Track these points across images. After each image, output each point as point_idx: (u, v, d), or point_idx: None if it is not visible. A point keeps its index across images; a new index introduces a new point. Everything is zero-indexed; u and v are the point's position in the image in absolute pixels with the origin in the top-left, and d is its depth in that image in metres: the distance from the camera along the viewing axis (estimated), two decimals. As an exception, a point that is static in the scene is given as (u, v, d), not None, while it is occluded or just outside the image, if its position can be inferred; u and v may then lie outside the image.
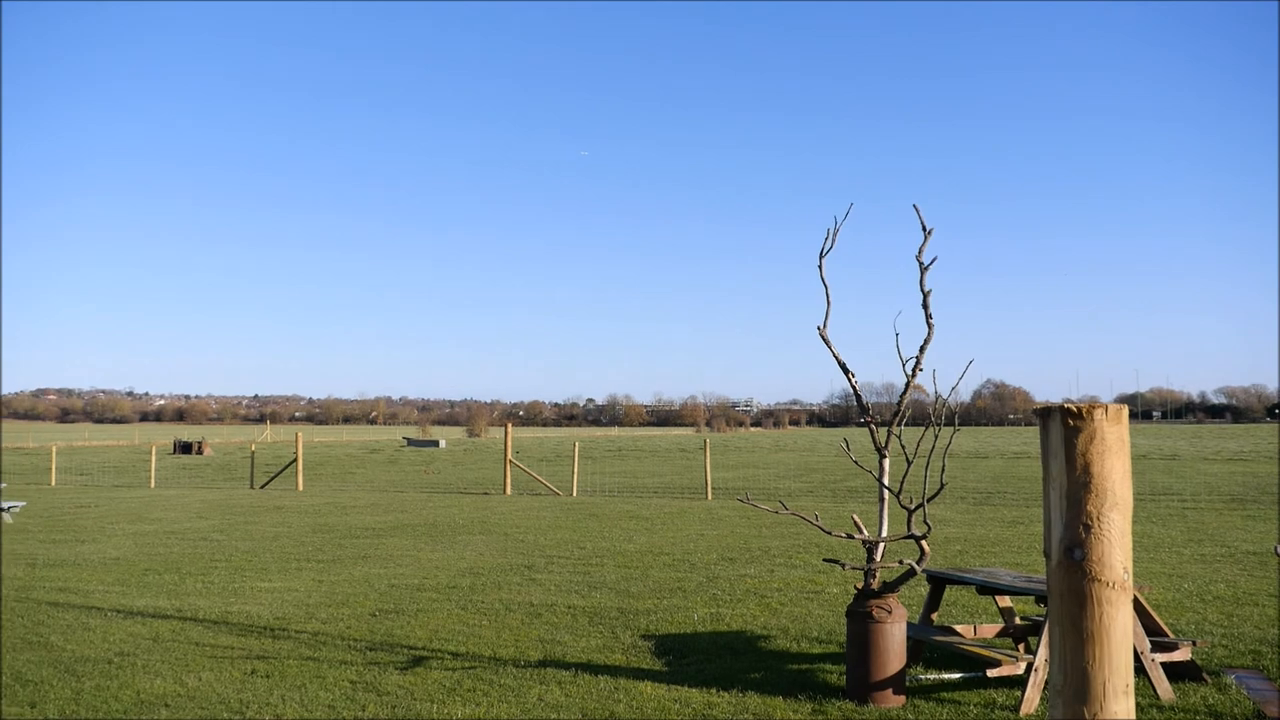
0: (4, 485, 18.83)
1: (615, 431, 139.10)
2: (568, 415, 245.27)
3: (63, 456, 43.23)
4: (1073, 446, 2.64)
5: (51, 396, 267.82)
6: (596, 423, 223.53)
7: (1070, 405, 2.66)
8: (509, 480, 24.01)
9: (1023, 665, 6.00)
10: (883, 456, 6.47)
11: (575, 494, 22.65)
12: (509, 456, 24.36)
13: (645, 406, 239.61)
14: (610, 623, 8.18)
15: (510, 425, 25.12)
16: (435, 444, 71.18)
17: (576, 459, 24.50)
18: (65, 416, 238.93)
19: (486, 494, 23.47)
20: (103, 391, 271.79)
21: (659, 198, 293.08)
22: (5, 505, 17.51)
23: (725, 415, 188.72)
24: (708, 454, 23.17)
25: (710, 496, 21.38)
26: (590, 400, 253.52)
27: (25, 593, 9.91)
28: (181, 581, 10.51)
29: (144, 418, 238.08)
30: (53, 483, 30.17)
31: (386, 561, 11.89)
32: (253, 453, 31.32)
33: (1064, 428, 2.66)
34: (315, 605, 9.03)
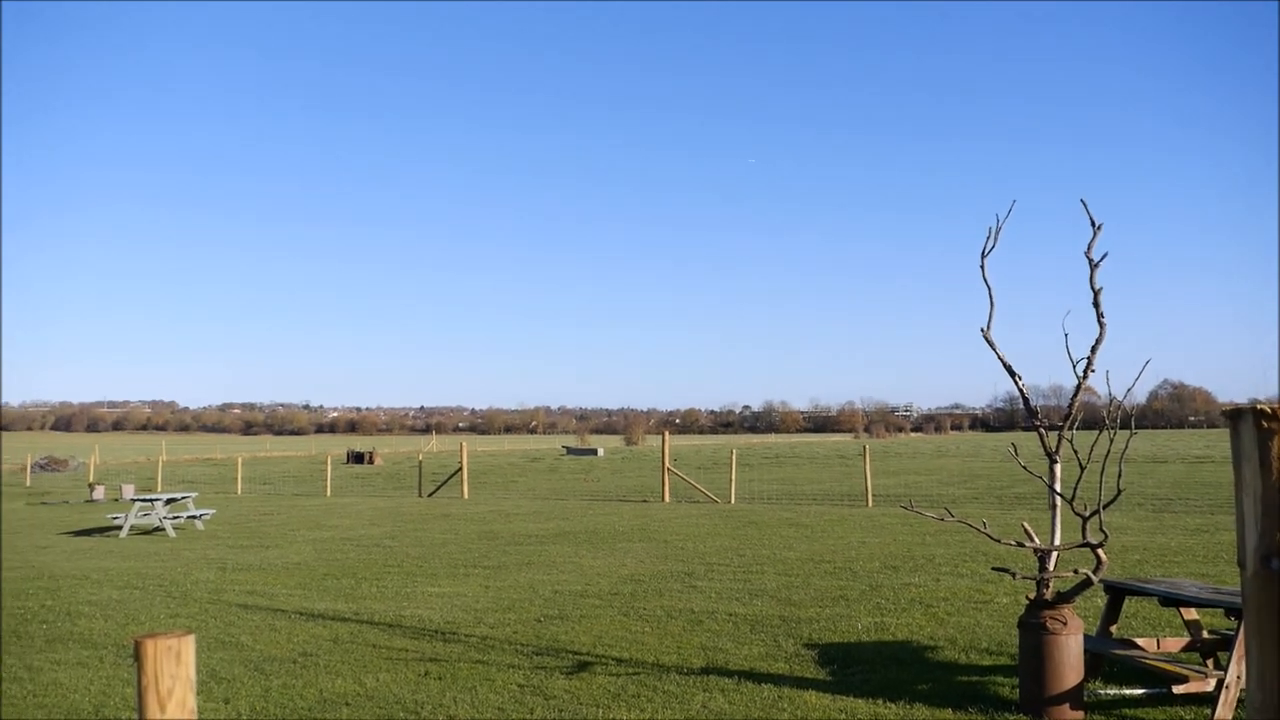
0: (195, 494, 20.07)
1: (772, 438, 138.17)
2: (724, 423, 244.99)
3: (247, 467, 45.75)
4: (1267, 450, 2.49)
5: (236, 411, 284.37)
6: (753, 430, 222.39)
7: (1264, 406, 2.52)
8: (667, 488, 24.14)
9: (1213, 682, 5.67)
10: (1054, 462, 6.23)
11: (734, 501, 22.61)
12: (667, 464, 24.50)
13: (802, 413, 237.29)
14: (772, 631, 8.13)
15: (668, 433, 25.26)
16: (594, 452, 72.27)
17: (734, 466, 24.46)
18: (248, 429, 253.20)
19: (645, 502, 23.67)
20: (281, 405, 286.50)
21: (809, 206, 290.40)
22: (197, 513, 18.65)
23: (884, 420, 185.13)
24: (867, 460, 22.77)
25: (871, 503, 21.00)
26: (746, 407, 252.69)
27: (217, 595, 10.54)
28: (358, 586, 10.98)
29: (319, 429, 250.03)
30: (239, 492, 31.97)
31: (550, 568, 12.12)
32: (420, 462, 32.45)
33: (1257, 430, 2.51)
34: (483, 610, 9.28)
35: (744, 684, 6.43)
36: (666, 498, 23.77)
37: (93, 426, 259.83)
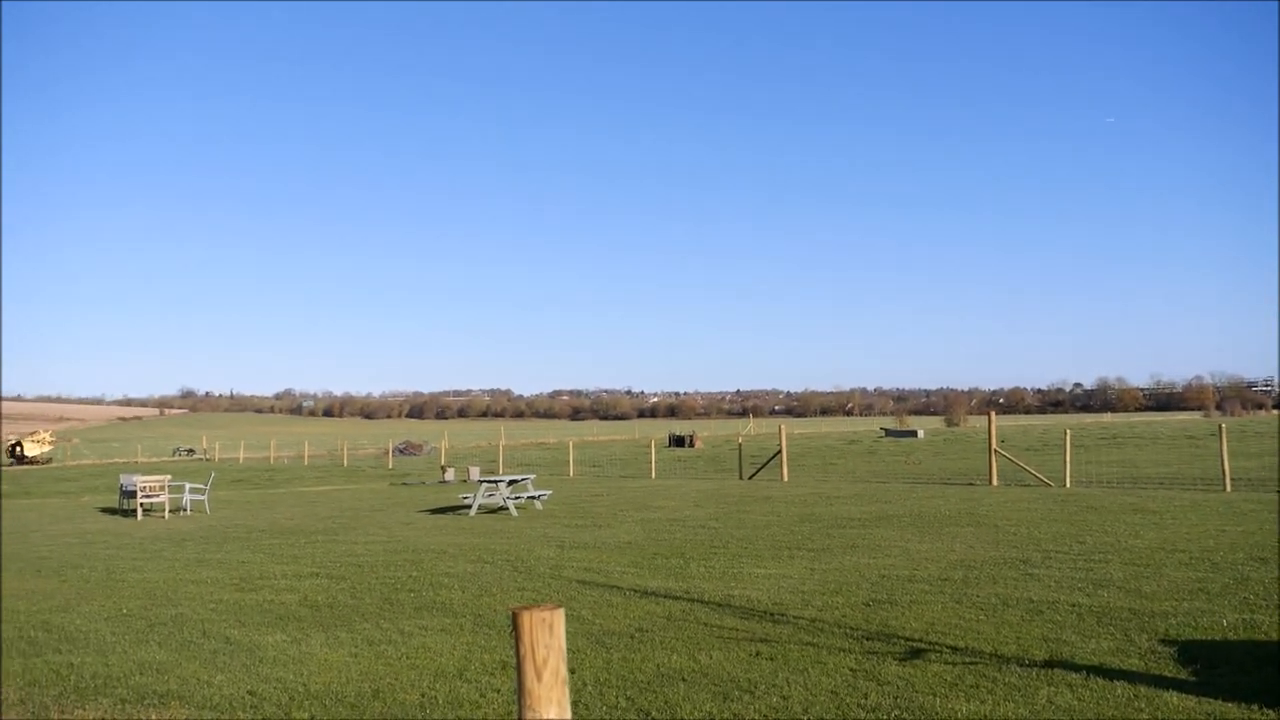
0: (533, 476, 21.44)
1: (1108, 418, 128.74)
2: (1052, 401, 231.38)
3: (577, 450, 48.32)
4: None
5: (565, 397, 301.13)
6: (1085, 408, 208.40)
7: None
8: (994, 470, 23.10)
9: None
10: None
11: (1068, 485, 21.28)
12: (994, 445, 23.44)
13: (1141, 389, 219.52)
14: (1122, 624, 7.57)
15: (993, 414, 24.15)
16: (913, 434, 70.48)
17: (1068, 447, 22.99)
18: (576, 414, 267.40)
19: (971, 484, 22.78)
20: (606, 391, 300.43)
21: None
22: (537, 494, 19.91)
23: (1239, 397, 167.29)
24: (1224, 440, 20.70)
25: (1229, 488, 19.08)
26: (1077, 385, 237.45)
27: (557, 571, 11.21)
28: (686, 565, 11.31)
29: (641, 414, 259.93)
30: (571, 474, 33.84)
31: (875, 551, 11.94)
32: (739, 445, 32.94)
33: None
34: (810, 592, 9.29)
35: (1093, 680, 6.04)
36: (994, 481, 22.75)
37: (441, 413, 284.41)
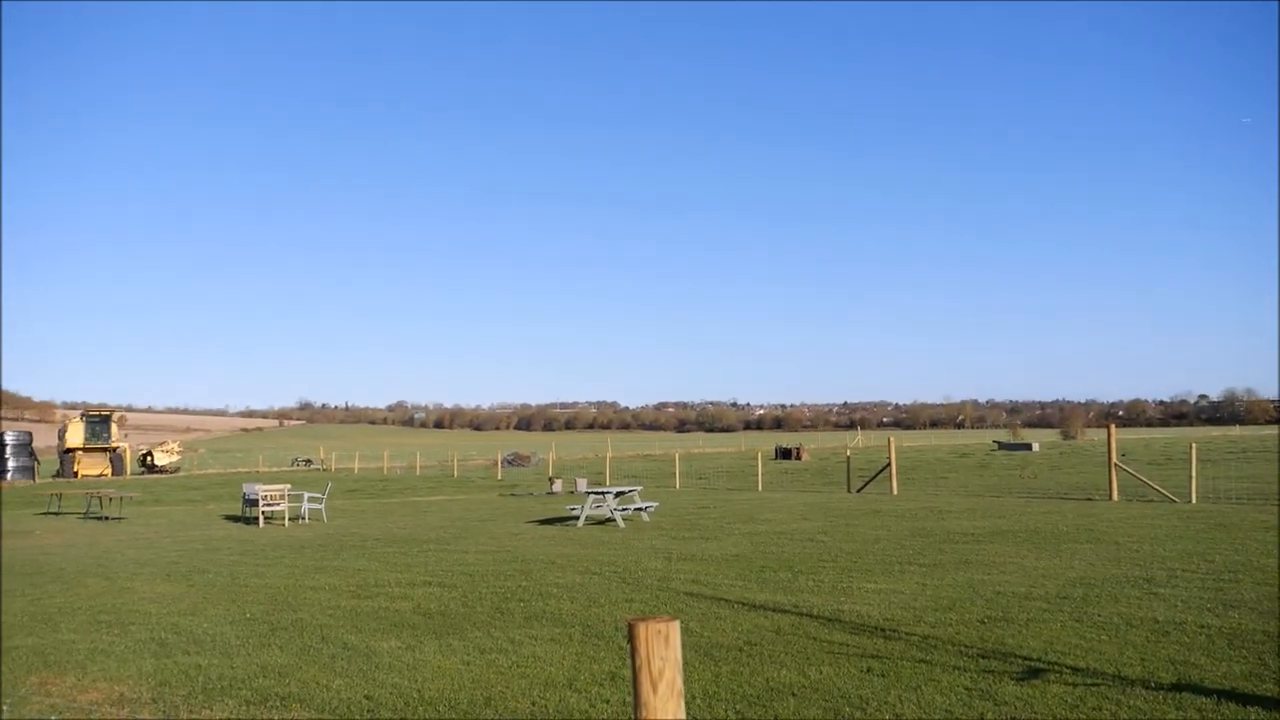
0: (640, 487, 21.51)
1: (1236, 430, 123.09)
2: (1175, 414, 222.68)
3: (683, 462, 48.33)
4: None
5: (670, 409, 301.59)
6: (1211, 420, 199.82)
7: None
8: (1114, 485, 22.32)
9: None
10: None
11: (1194, 500, 20.42)
12: (1114, 459, 22.65)
13: (1272, 401, 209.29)
14: (1255, 647, 7.23)
15: (1113, 426, 23.35)
16: (1028, 447, 68.55)
17: (1194, 461, 22.09)
18: (681, 426, 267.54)
19: (1090, 500, 22.05)
20: (711, 403, 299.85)
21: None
22: (643, 505, 19.97)
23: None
24: (1366, 455, 19.62)
25: (1373, 506, 18.06)
26: (1203, 396, 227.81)
27: (665, 583, 11.22)
28: (795, 579, 11.20)
29: (747, 426, 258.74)
30: (677, 486, 33.85)
31: (989, 568, 11.64)
32: (848, 458, 32.52)
33: None
34: (922, 608, 9.10)
35: (1225, 705, 5.78)
36: (1114, 496, 21.98)
37: (548, 425, 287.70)
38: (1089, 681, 6.38)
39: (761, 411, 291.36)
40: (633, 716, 1.74)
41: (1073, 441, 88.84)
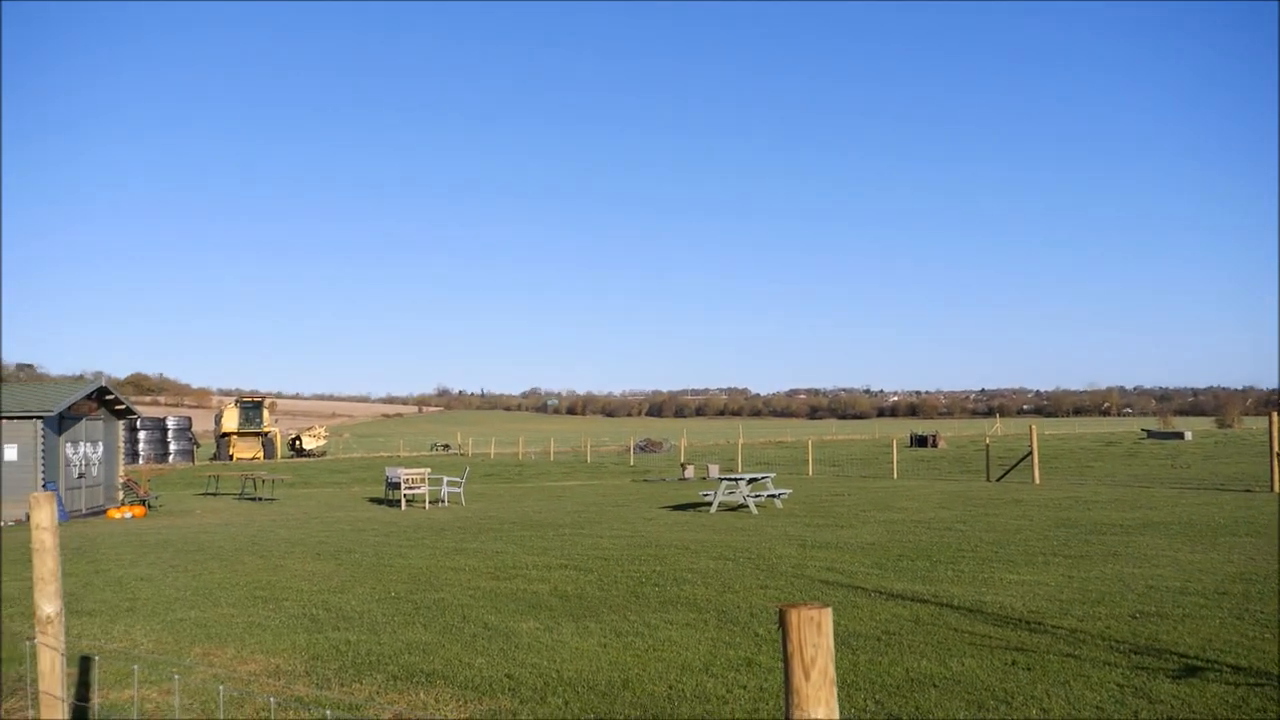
0: (773, 474, 21.40)
1: None
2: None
3: (816, 449, 47.84)
4: None
5: (801, 396, 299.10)
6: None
7: None
8: (1276, 476, 21.13)
9: None
10: None
11: (1367, 494, 19.18)
12: (1276, 449, 21.44)
13: None
14: None
15: (1275, 414, 22.09)
16: (1179, 435, 65.53)
17: (1366, 452, 20.73)
18: (813, 413, 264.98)
19: (1249, 491, 20.94)
20: (844, 390, 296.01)
21: None
22: (776, 492, 19.86)
23: None
24: None
25: None
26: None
27: (800, 570, 11.13)
28: (933, 568, 10.97)
29: (880, 413, 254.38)
30: (810, 473, 33.54)
31: (1140, 561, 11.17)
32: (987, 446, 31.66)
33: None
34: (1068, 601, 8.80)
35: (1406, 710, 5.41)
36: (1276, 487, 20.82)
37: (679, 412, 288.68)
38: (1252, 681, 6.06)
39: (895, 398, 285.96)
40: (783, 704, 1.72)
41: (1229, 430, 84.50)
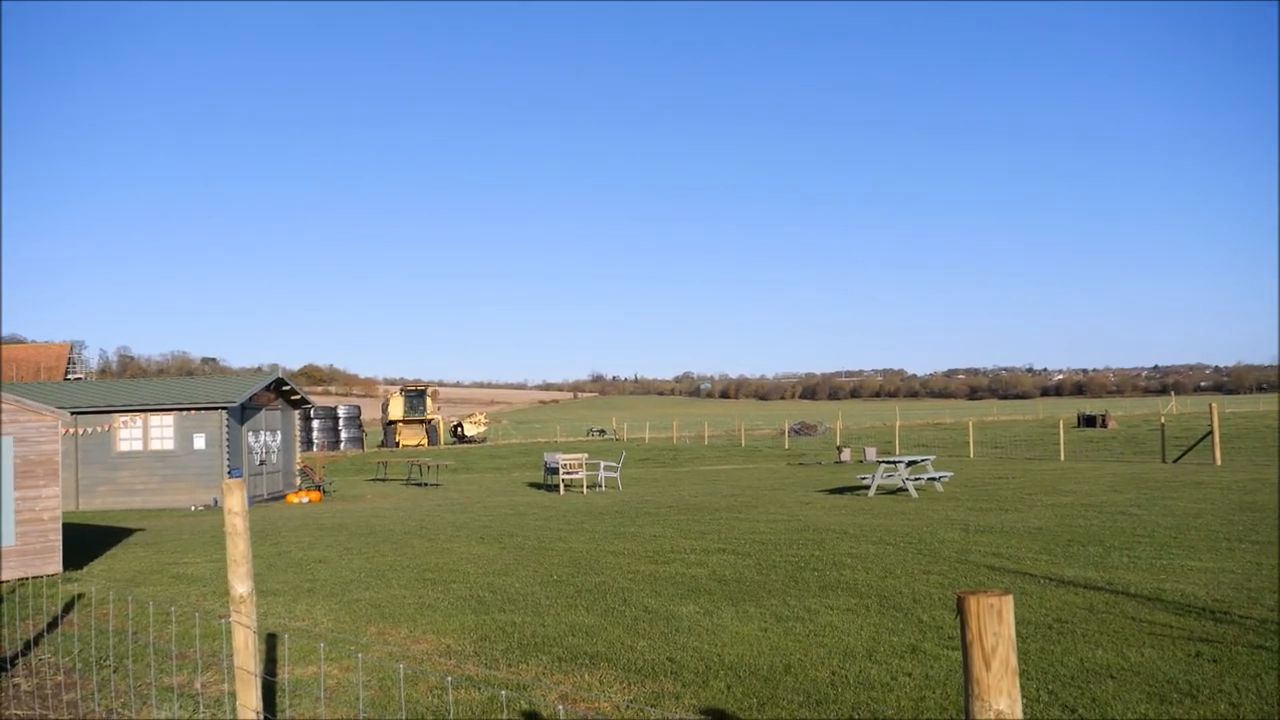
0: (933, 457, 20.90)
1: None
2: None
3: (977, 431, 46.48)
4: None
5: (960, 376, 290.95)
6: None
7: None
8: None
9: None
10: None
11: None
12: None
13: None
14: None
15: None
16: (1379, 413, 60.82)
17: None
18: (973, 394, 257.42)
19: None
20: (1005, 369, 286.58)
21: None
22: (937, 475, 19.41)
23: None
24: None
25: None
26: None
27: (963, 555, 10.85)
28: (1106, 554, 10.52)
29: (1044, 392, 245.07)
30: (971, 455, 32.62)
31: (1338, 547, 10.45)
32: (1162, 425, 30.19)
33: None
34: (1258, 590, 8.30)
35: None
36: None
37: (833, 394, 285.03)
38: None
39: (1060, 377, 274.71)
40: (963, 694, 1.68)
41: None
